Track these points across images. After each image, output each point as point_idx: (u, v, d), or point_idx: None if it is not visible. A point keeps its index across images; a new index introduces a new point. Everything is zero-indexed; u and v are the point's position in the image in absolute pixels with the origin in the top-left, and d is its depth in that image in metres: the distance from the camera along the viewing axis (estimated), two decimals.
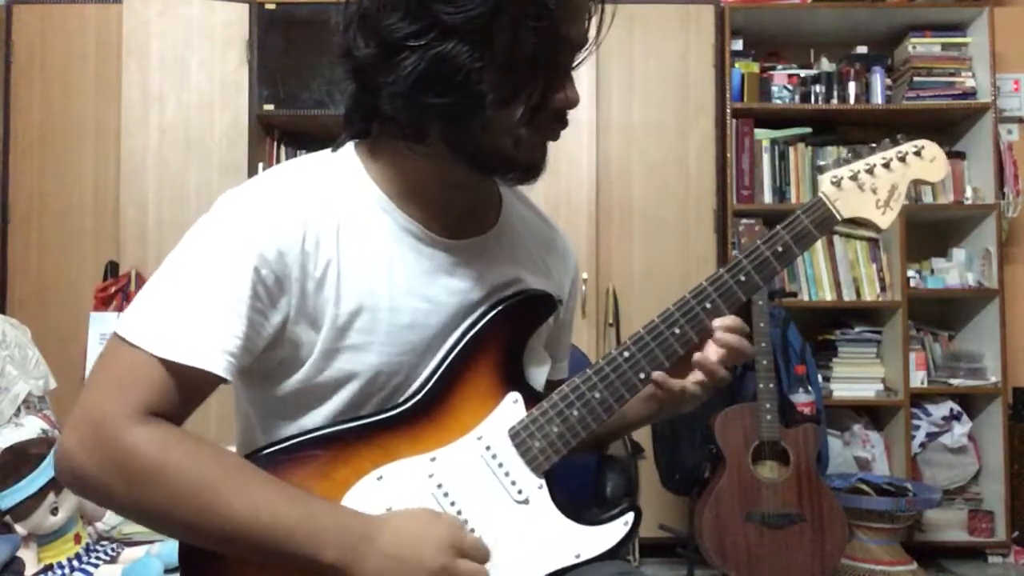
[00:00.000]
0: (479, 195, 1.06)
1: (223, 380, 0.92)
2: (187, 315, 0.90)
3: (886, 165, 1.06)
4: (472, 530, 0.98)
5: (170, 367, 0.88)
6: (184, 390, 0.90)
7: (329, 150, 1.04)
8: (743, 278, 1.03)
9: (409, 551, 0.89)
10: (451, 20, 0.87)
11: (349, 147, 1.04)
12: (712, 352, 1.06)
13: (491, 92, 0.90)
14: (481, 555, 0.95)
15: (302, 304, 0.95)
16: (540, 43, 0.89)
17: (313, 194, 0.97)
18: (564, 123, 0.98)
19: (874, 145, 1.06)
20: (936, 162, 1.07)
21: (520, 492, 1.01)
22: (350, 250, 0.97)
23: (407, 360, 1.00)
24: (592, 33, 0.97)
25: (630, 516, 1.03)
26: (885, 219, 1.06)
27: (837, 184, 1.05)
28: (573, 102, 0.96)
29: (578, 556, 1.01)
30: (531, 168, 0.98)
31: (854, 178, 1.05)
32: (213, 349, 0.90)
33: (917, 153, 1.07)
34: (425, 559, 0.89)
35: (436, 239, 1.02)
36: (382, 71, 0.91)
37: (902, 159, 1.06)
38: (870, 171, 1.06)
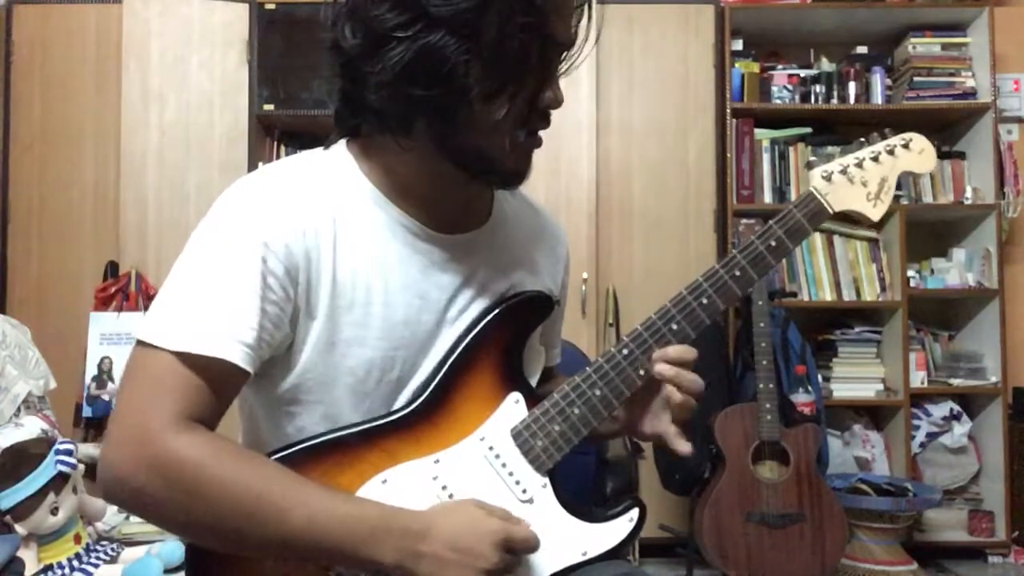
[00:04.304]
0: (472, 191, 1.06)
1: (245, 373, 0.92)
2: (200, 309, 0.90)
3: (875, 158, 1.07)
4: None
5: (190, 363, 0.89)
6: (211, 387, 0.90)
7: (321, 148, 1.05)
8: (738, 273, 1.04)
9: (464, 547, 0.90)
10: (439, 12, 0.87)
11: (341, 144, 1.04)
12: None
13: (476, 86, 0.90)
14: (532, 545, 0.95)
15: (307, 295, 0.96)
16: (526, 39, 0.89)
17: (310, 188, 0.98)
18: (547, 123, 0.98)
19: (863, 140, 1.07)
20: (924, 154, 1.08)
21: (525, 491, 1.01)
22: (346, 244, 0.97)
23: (401, 355, 1.00)
24: (583, 36, 0.97)
25: (635, 512, 1.04)
26: (876, 212, 1.07)
27: (828, 178, 1.06)
28: (558, 102, 0.97)
29: (585, 554, 1.02)
30: (515, 173, 0.99)
31: (844, 172, 1.06)
32: (228, 339, 0.90)
33: (905, 146, 1.08)
34: (479, 556, 0.90)
35: (431, 234, 1.02)
36: (369, 62, 0.92)
37: (891, 152, 1.07)
38: (859, 165, 1.07)
